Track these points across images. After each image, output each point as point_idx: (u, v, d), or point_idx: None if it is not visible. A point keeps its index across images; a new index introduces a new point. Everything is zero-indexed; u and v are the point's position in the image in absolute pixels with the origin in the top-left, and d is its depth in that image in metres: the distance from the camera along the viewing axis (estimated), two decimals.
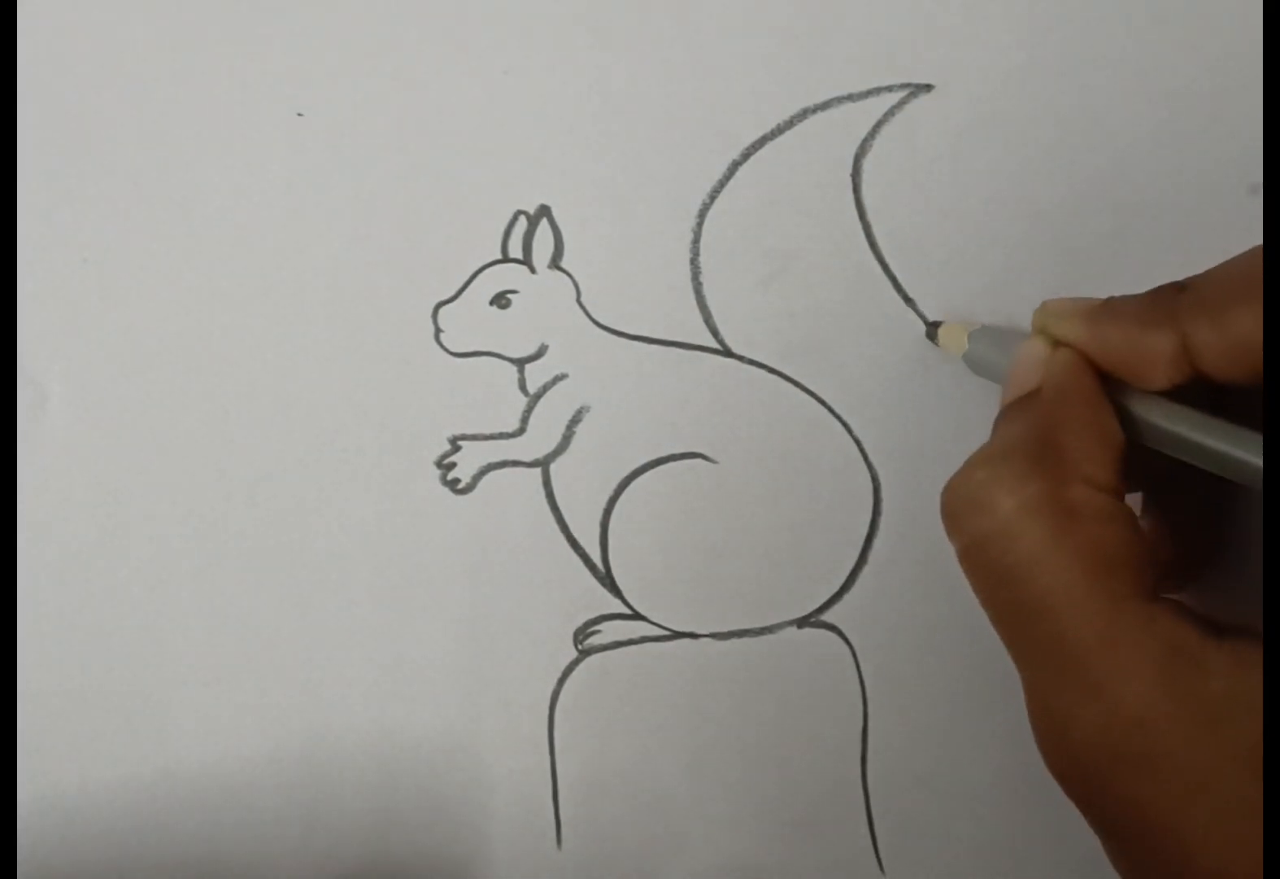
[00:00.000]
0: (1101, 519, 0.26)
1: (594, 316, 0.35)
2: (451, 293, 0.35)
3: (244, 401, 0.36)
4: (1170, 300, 0.27)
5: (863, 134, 0.35)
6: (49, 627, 0.35)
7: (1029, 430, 0.27)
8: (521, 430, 0.35)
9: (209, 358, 0.35)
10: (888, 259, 0.35)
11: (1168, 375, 0.27)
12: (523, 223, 0.35)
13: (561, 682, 0.35)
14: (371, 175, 0.35)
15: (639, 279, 0.35)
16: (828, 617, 0.35)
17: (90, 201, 0.36)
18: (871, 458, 0.35)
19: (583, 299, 0.35)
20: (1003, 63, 0.35)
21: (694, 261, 0.35)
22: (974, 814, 0.35)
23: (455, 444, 0.35)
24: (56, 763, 0.35)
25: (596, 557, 0.35)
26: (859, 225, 0.35)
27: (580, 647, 0.35)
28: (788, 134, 0.35)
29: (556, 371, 0.35)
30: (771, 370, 0.35)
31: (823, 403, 0.35)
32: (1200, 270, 0.30)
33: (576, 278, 0.35)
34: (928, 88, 0.35)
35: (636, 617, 0.35)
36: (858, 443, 0.35)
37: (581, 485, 0.35)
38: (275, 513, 0.35)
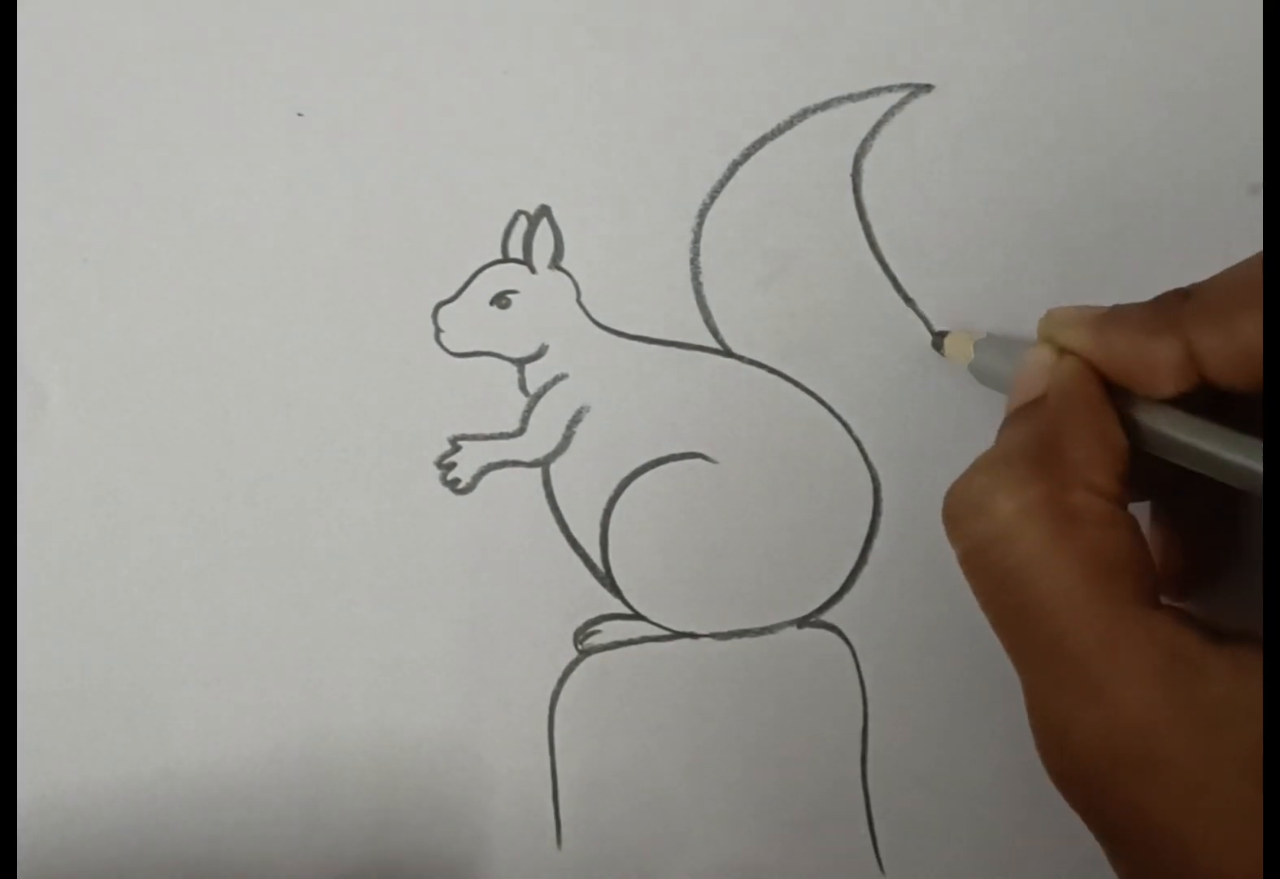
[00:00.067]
0: (1102, 524, 0.26)
1: (594, 317, 0.35)
2: (452, 293, 0.35)
3: (244, 402, 0.36)
4: (1175, 307, 0.27)
5: (863, 134, 0.35)
6: (49, 627, 0.35)
7: (1032, 435, 0.27)
8: (522, 430, 0.35)
9: (209, 358, 0.35)
10: (888, 259, 0.35)
11: (1174, 383, 0.27)
12: (523, 223, 0.35)
13: (561, 682, 0.35)
14: (371, 175, 0.35)
15: (639, 279, 0.35)
16: (828, 617, 0.35)
17: (90, 201, 0.36)
18: (871, 458, 0.35)
19: (583, 299, 0.35)
20: (1003, 63, 0.35)
21: (694, 261, 0.35)
22: (974, 814, 0.35)
23: (455, 444, 0.35)
24: (56, 763, 0.35)
25: (596, 557, 0.35)
26: (859, 225, 0.35)
27: (580, 647, 0.35)
28: (788, 134, 0.35)
29: (557, 371, 0.35)
30: (771, 370, 0.35)
31: (823, 403, 0.35)
32: (1200, 269, 0.30)
33: (577, 278, 0.35)
34: (928, 88, 0.35)
35: (636, 617, 0.35)
36: (858, 443, 0.35)
37: (582, 485, 0.35)
38: (275, 513, 0.35)
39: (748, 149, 0.35)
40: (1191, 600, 0.32)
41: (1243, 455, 0.26)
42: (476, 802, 0.35)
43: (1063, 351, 0.29)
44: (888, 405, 0.35)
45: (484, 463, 0.35)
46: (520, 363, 0.35)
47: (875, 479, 0.35)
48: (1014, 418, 0.29)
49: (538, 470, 0.35)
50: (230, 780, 0.35)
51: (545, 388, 0.35)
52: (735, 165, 0.35)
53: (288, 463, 0.35)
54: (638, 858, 0.35)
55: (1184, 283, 0.34)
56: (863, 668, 0.35)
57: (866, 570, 0.35)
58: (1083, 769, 0.25)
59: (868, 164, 0.35)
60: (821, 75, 0.35)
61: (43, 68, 0.35)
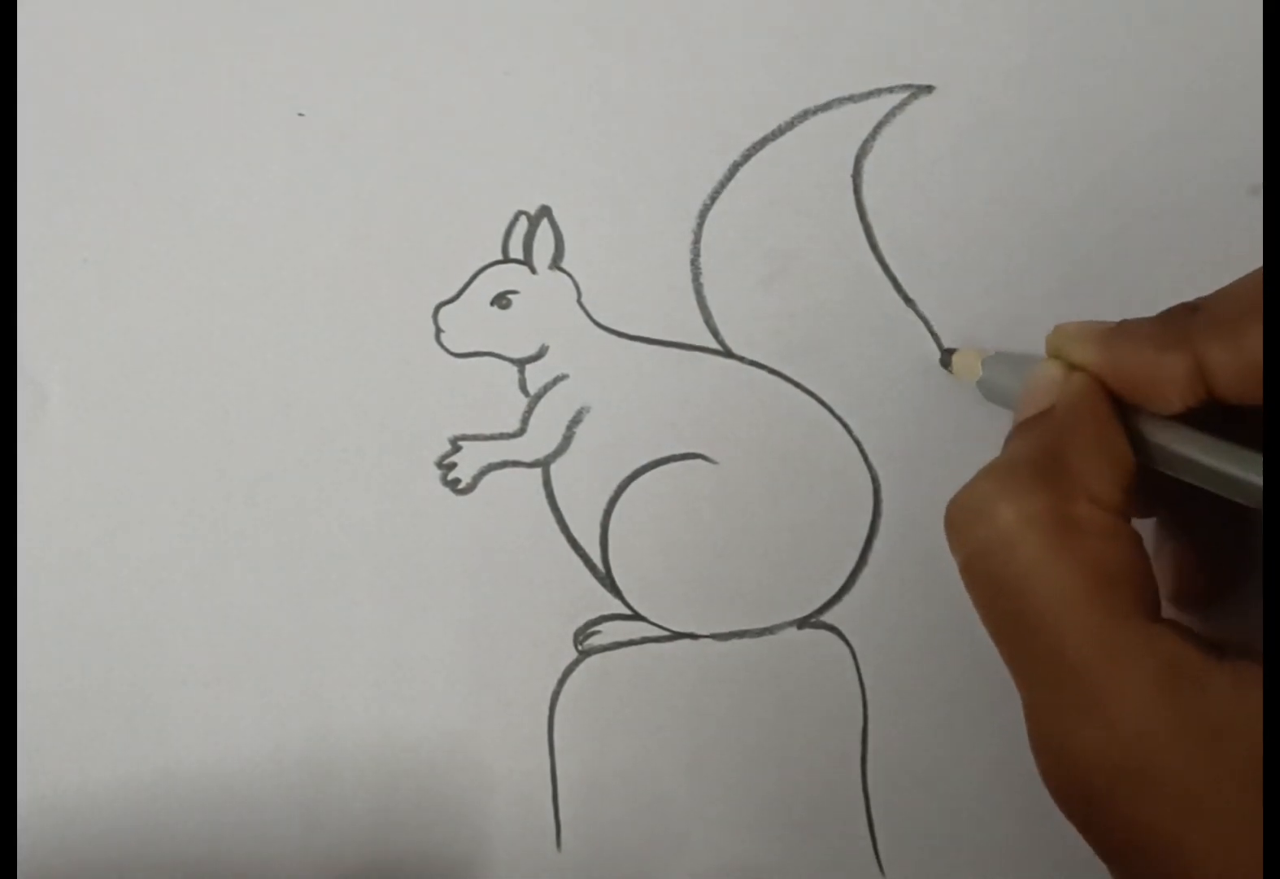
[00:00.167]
0: (1104, 536, 0.26)
1: (594, 317, 0.35)
2: (452, 293, 0.35)
3: (244, 402, 0.35)
4: (1183, 321, 0.27)
5: (864, 135, 0.35)
6: (49, 627, 0.35)
7: (1038, 446, 0.27)
8: (522, 431, 0.35)
9: (209, 358, 0.35)
10: (888, 260, 0.35)
11: (1182, 398, 0.27)
12: (523, 223, 0.35)
13: (561, 682, 0.35)
14: (372, 175, 0.35)
15: (639, 280, 0.35)
16: (828, 617, 0.35)
17: (90, 201, 0.36)
18: (872, 458, 0.35)
19: (583, 299, 0.35)
20: (1003, 64, 0.35)
21: (694, 262, 0.35)
22: (974, 815, 0.35)
23: (456, 444, 0.35)
24: (56, 763, 0.35)
25: (597, 557, 0.35)
26: (860, 226, 0.35)
27: (580, 647, 0.35)
28: (788, 135, 0.35)
29: (557, 372, 0.35)
30: (772, 371, 0.35)
31: (823, 403, 0.35)
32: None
33: (577, 278, 0.35)
34: (928, 89, 0.35)
35: (636, 617, 0.35)
36: (858, 443, 0.35)
37: (582, 486, 0.35)
38: (275, 513, 0.35)
39: (748, 150, 0.35)
40: (1201, 617, 0.32)
41: (1251, 472, 0.26)
42: (476, 802, 0.35)
43: (1072, 366, 0.29)
44: (888, 406, 0.35)
45: (484, 463, 0.35)
46: (521, 363, 0.35)
47: (875, 480, 0.35)
48: (1020, 429, 0.29)
49: (538, 471, 0.35)
50: (230, 780, 0.35)
51: (545, 388, 0.35)
52: (736, 166, 0.35)
53: (288, 463, 0.35)
54: (638, 859, 0.35)
55: (1184, 282, 0.34)
56: (863, 669, 0.35)
57: (866, 571, 0.35)
58: (1082, 783, 0.25)
59: (868, 165, 0.35)
60: (822, 76, 0.35)
61: (43, 68, 0.35)
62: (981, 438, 0.34)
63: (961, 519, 0.27)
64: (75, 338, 0.35)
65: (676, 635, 0.35)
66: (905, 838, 0.35)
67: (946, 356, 0.34)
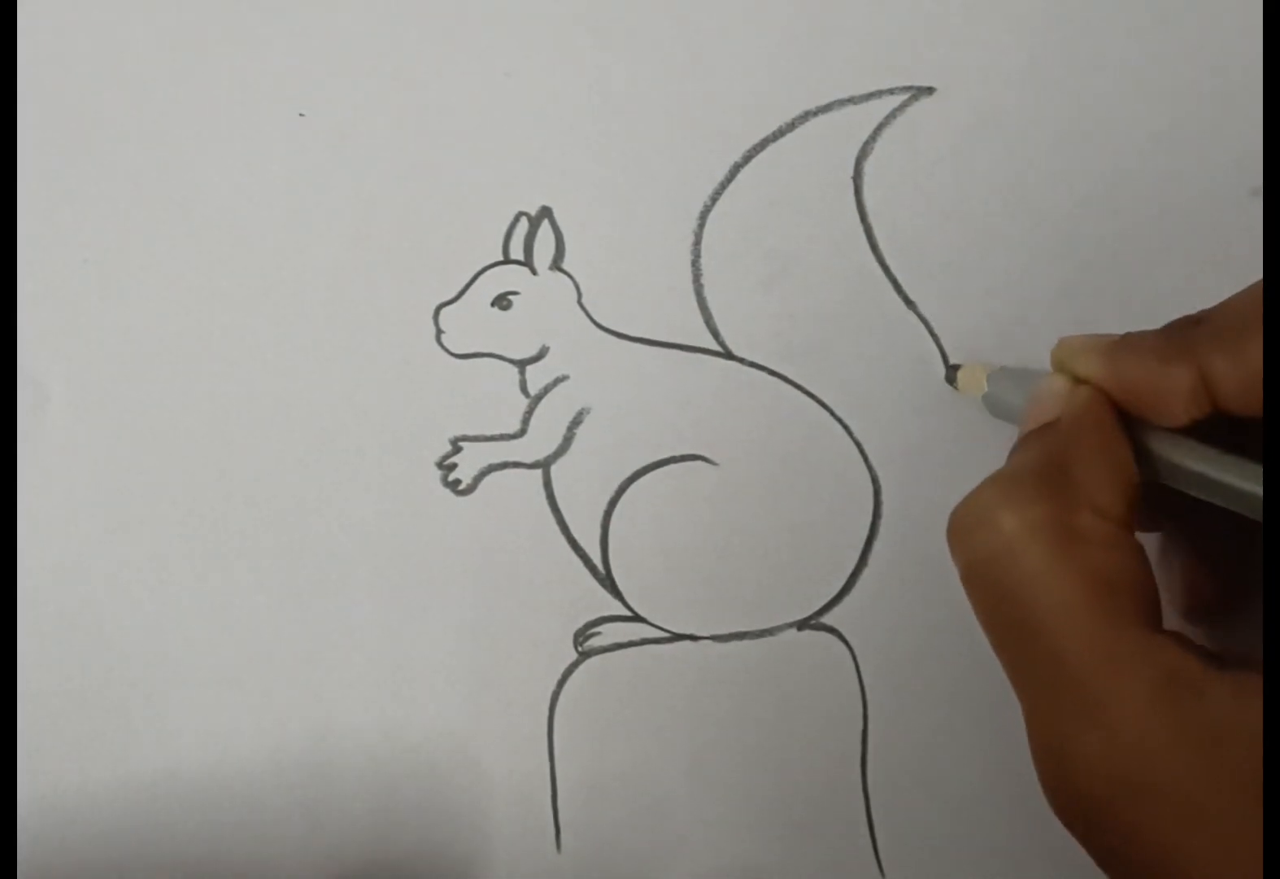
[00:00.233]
0: (1106, 546, 0.26)
1: (595, 318, 0.35)
2: (453, 294, 0.35)
3: (245, 402, 0.35)
4: (1186, 334, 0.27)
5: (864, 136, 0.35)
6: (49, 627, 0.35)
7: (1042, 457, 0.27)
8: (522, 432, 0.35)
9: (210, 358, 0.35)
10: (889, 261, 0.35)
11: (1187, 410, 0.27)
12: (524, 224, 0.35)
13: (561, 683, 0.35)
14: (373, 176, 0.35)
15: (640, 281, 0.35)
16: (828, 619, 0.35)
17: (91, 202, 0.35)
18: (872, 460, 0.35)
19: (584, 301, 0.35)
20: (1004, 66, 0.35)
21: (695, 263, 0.35)
22: (975, 817, 0.35)
23: (456, 445, 0.35)
24: (56, 763, 0.35)
25: (597, 558, 0.35)
26: (860, 228, 0.35)
27: (580, 648, 0.35)
28: (789, 136, 0.35)
29: (557, 373, 0.35)
30: (772, 372, 0.35)
31: (823, 405, 0.35)
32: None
33: (578, 279, 0.35)
34: (929, 90, 0.35)
35: (637, 618, 0.35)
36: (858, 445, 0.35)
37: (582, 487, 0.35)
38: (275, 513, 0.35)
39: (749, 151, 0.35)
40: (1212, 628, 0.32)
41: (1256, 484, 0.26)
42: (476, 803, 0.35)
43: (1078, 381, 0.29)
44: (888, 407, 0.35)
45: (485, 464, 0.35)
46: (521, 364, 0.35)
47: (875, 481, 0.35)
48: (1025, 441, 0.29)
49: (538, 472, 0.35)
50: (230, 780, 0.35)
51: (546, 389, 0.35)
52: (736, 167, 0.35)
53: (288, 463, 0.35)
54: (637, 861, 0.35)
55: (1185, 283, 0.34)
56: (863, 670, 0.35)
57: (867, 573, 0.35)
58: (1082, 792, 0.25)
59: (869, 166, 0.35)
60: (823, 77, 0.35)
61: (43, 68, 0.35)
62: (981, 439, 0.34)
63: (964, 527, 0.27)
64: (76, 338, 0.35)
65: (676, 637, 0.35)
66: (905, 840, 0.35)
67: (951, 372, 0.34)
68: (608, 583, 0.35)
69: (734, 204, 0.35)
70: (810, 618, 0.35)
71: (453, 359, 0.35)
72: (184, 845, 0.35)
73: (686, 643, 0.35)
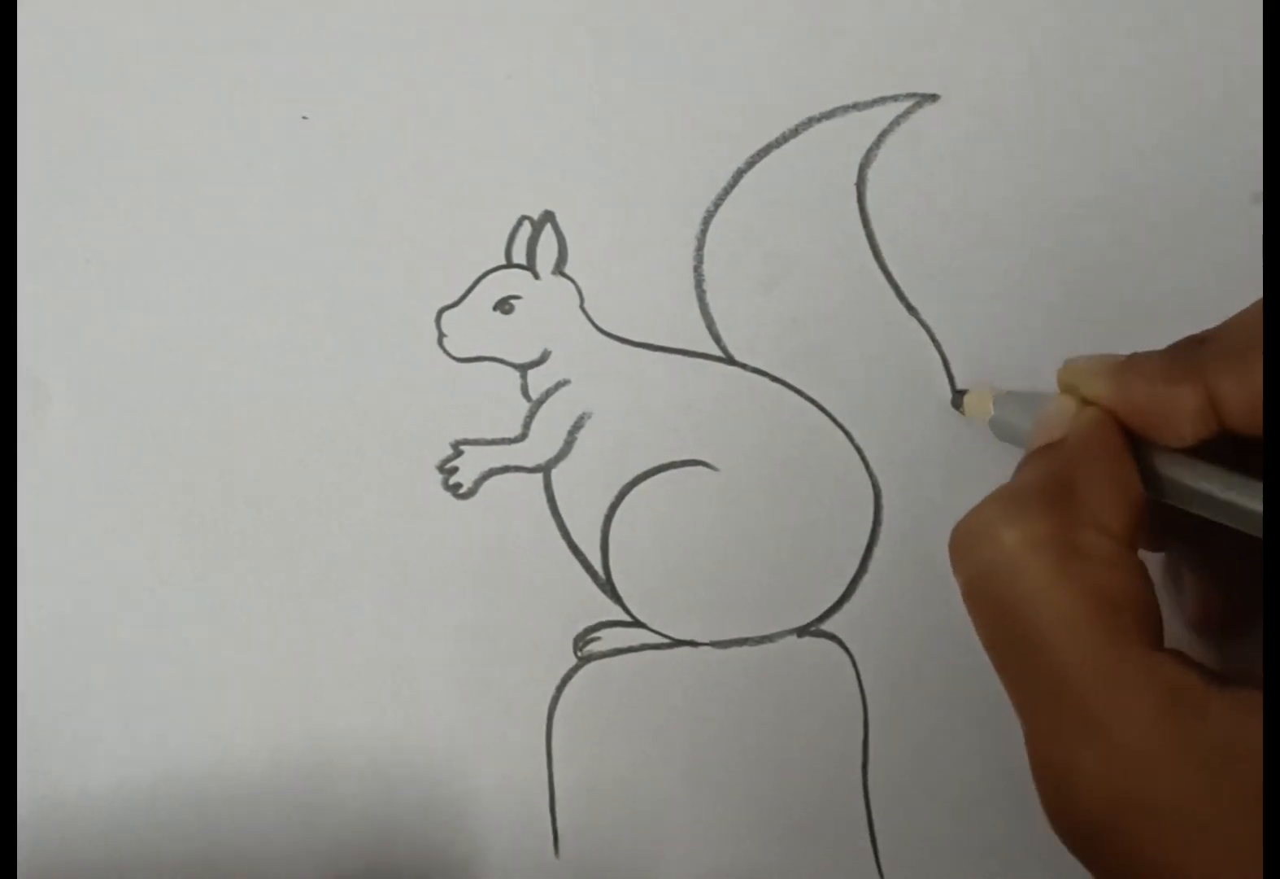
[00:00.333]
0: (1107, 563, 0.26)
1: (597, 323, 0.35)
2: (455, 297, 0.35)
3: (246, 404, 0.35)
4: (1192, 353, 0.27)
5: (868, 143, 0.35)
6: (49, 627, 0.35)
7: (1047, 475, 0.27)
8: (523, 436, 0.35)
9: (211, 360, 0.35)
10: (891, 267, 0.35)
11: (1193, 430, 0.27)
12: (527, 228, 0.35)
13: (560, 688, 0.35)
14: (375, 179, 0.35)
15: (642, 285, 0.35)
16: (828, 626, 0.35)
17: (91, 202, 0.35)
18: (873, 466, 0.35)
19: (586, 305, 0.35)
20: (1008, 73, 0.35)
21: (697, 269, 0.35)
22: (975, 823, 0.35)
23: (457, 449, 0.35)
24: (56, 763, 0.35)
25: (597, 563, 0.35)
26: (863, 234, 0.35)
27: (580, 653, 0.35)
28: (792, 142, 0.35)
29: (559, 377, 0.35)
30: (774, 378, 0.35)
31: (824, 411, 0.35)
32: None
33: (580, 283, 0.35)
34: (933, 97, 0.35)
35: (637, 624, 0.35)
36: (859, 451, 0.35)
37: (583, 491, 0.35)
38: (275, 515, 0.35)
39: (752, 156, 0.35)
40: (1218, 648, 0.32)
41: (1260, 505, 0.26)
42: (474, 807, 0.35)
43: (1084, 402, 0.29)
44: (890, 414, 0.35)
45: (485, 468, 0.35)
46: (523, 368, 0.35)
47: (876, 487, 0.35)
48: (1031, 458, 0.29)
49: (539, 476, 0.35)
50: (229, 782, 0.35)
51: (547, 393, 0.35)
52: (740, 173, 0.35)
53: (289, 465, 0.35)
54: (635, 866, 0.35)
55: (1187, 289, 0.34)
56: (863, 677, 0.35)
57: (867, 579, 0.35)
58: (1083, 812, 0.25)
59: (872, 173, 0.35)
60: (827, 84, 0.35)
61: (43, 68, 0.35)
62: (982, 447, 0.34)
63: (966, 542, 0.27)
64: (76, 338, 0.35)
65: (676, 642, 0.35)
66: (906, 846, 0.35)
67: (958, 398, 0.34)
68: (608, 588, 0.35)
69: (737, 209, 0.35)
70: (810, 624, 0.35)
71: (454, 362, 0.35)
72: (184, 846, 0.36)
73: (686, 649, 0.35)
